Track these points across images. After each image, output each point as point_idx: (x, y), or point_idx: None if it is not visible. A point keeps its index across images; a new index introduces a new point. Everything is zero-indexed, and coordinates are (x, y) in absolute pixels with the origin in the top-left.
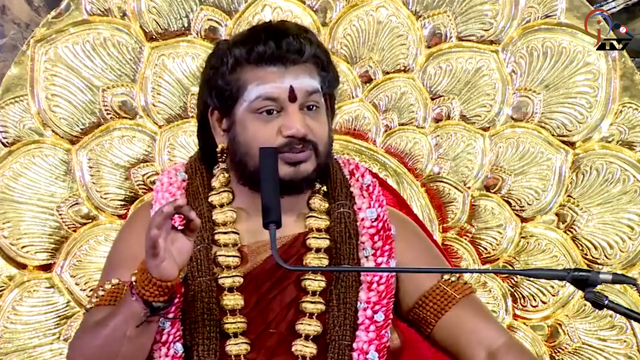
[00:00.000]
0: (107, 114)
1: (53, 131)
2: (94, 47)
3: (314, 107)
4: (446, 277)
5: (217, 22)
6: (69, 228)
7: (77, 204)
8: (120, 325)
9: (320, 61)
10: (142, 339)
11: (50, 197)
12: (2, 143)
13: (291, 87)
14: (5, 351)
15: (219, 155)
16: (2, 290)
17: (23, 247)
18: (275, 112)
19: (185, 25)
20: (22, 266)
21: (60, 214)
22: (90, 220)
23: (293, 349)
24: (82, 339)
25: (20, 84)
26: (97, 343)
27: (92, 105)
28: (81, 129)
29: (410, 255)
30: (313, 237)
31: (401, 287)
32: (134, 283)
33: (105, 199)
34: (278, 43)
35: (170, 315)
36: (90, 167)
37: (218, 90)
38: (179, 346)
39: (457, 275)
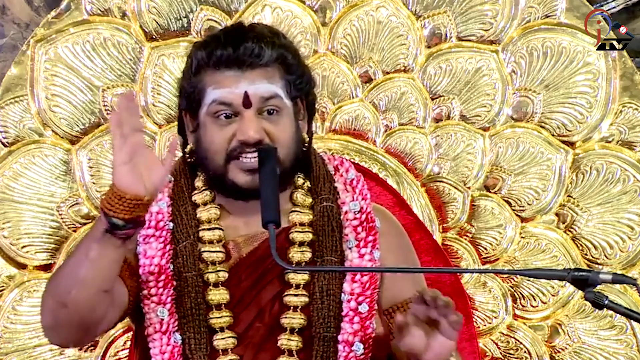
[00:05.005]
0: (107, 114)
1: (53, 131)
2: (94, 47)
3: (274, 112)
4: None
5: (217, 22)
6: (69, 228)
7: (77, 204)
8: (84, 246)
9: (286, 65)
10: (102, 263)
11: (50, 197)
12: (2, 143)
13: (245, 93)
14: (5, 351)
15: (187, 155)
16: (2, 290)
17: (23, 247)
18: (232, 116)
19: (185, 25)
20: (22, 266)
21: (60, 214)
22: (90, 220)
23: (279, 343)
24: (55, 271)
25: (20, 84)
26: (63, 268)
27: (92, 105)
28: (81, 129)
29: (391, 254)
30: (296, 231)
31: (381, 286)
32: (102, 197)
33: None
34: (236, 47)
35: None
36: (90, 167)
37: (185, 92)
38: (178, 336)
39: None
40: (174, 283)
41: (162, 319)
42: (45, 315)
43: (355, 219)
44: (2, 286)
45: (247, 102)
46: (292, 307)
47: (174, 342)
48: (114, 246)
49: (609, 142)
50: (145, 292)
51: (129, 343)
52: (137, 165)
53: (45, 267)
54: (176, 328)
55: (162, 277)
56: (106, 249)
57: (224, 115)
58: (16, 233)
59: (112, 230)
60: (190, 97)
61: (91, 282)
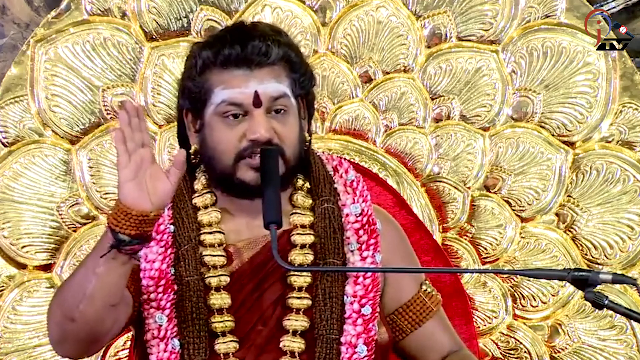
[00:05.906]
0: (107, 114)
1: (53, 131)
2: (94, 47)
3: (282, 111)
4: (424, 287)
5: (217, 22)
6: (69, 228)
7: (77, 204)
8: (92, 261)
9: (290, 63)
10: (109, 278)
11: (50, 197)
12: (2, 143)
13: (256, 92)
14: (5, 351)
15: (192, 157)
16: (2, 290)
17: (23, 247)
18: (241, 115)
19: (185, 25)
20: (22, 266)
21: (60, 214)
22: (90, 220)
23: (281, 345)
24: (62, 284)
25: (20, 84)
26: (70, 281)
27: (92, 105)
28: (81, 129)
29: (394, 255)
30: (298, 234)
31: (384, 289)
32: (108, 212)
33: (105, 199)
34: (243, 46)
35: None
36: (90, 167)
37: (189, 93)
38: (176, 342)
39: (431, 285)
40: (175, 287)
41: (160, 325)
42: (53, 329)
43: (356, 221)
44: (2, 286)
45: (257, 101)
46: (294, 310)
47: (172, 348)
48: (120, 262)
49: (609, 142)
50: (145, 296)
51: (129, 343)
52: (143, 180)
53: (45, 267)
54: (175, 334)
55: (162, 281)
56: (113, 264)
57: (232, 114)
58: (16, 233)
59: (118, 246)
60: (195, 97)
61: (99, 297)
